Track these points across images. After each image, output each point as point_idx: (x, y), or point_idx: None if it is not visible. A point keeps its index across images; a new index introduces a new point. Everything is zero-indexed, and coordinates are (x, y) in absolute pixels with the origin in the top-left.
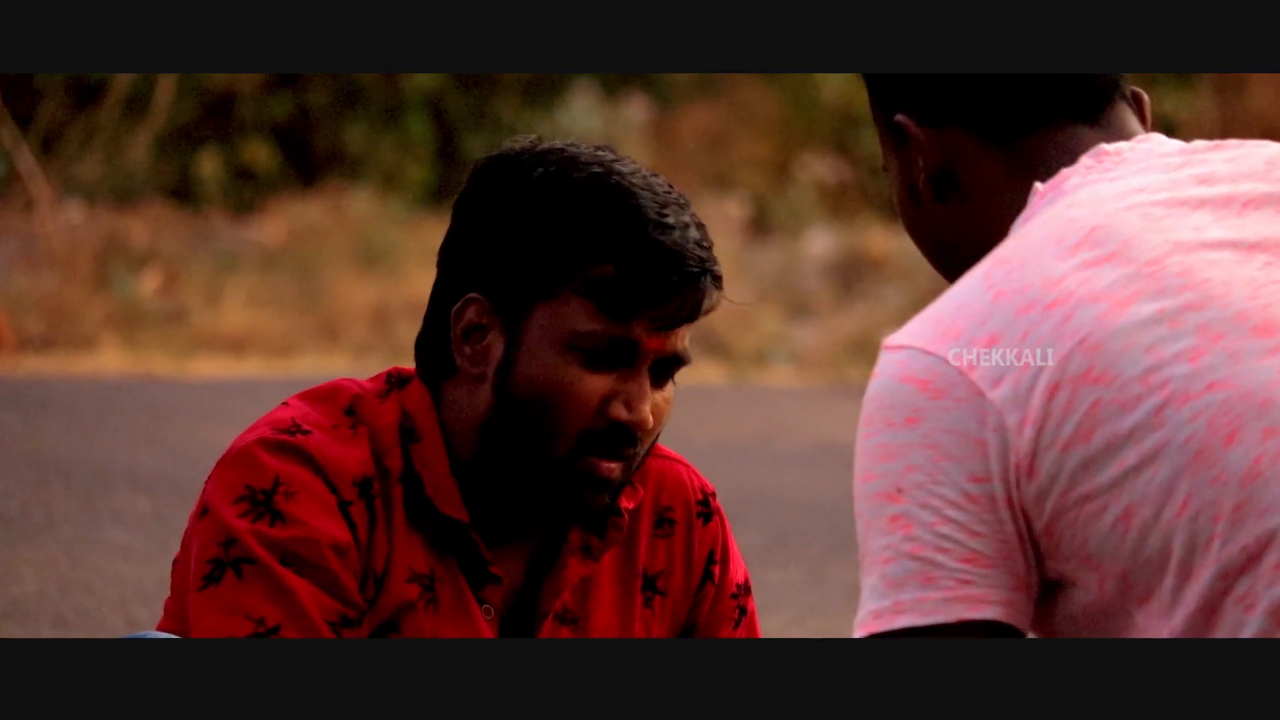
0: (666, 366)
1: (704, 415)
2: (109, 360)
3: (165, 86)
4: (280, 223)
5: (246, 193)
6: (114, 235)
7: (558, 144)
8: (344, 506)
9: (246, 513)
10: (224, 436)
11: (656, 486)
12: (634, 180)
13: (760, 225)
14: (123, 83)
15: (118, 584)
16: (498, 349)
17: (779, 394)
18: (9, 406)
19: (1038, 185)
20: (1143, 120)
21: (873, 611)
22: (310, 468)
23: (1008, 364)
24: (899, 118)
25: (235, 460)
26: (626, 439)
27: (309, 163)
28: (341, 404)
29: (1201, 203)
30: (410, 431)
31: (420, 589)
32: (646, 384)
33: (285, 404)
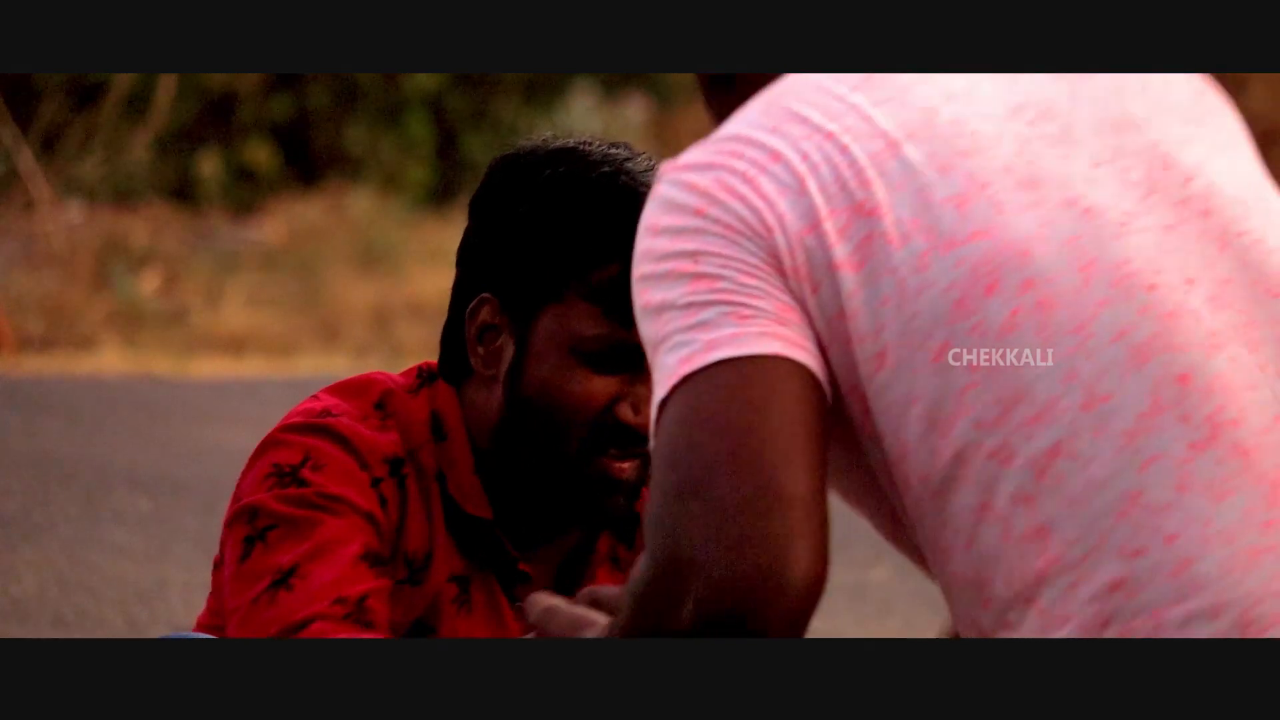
0: None
1: None
2: (109, 360)
3: (165, 86)
4: (280, 223)
5: (246, 193)
6: (114, 235)
7: (571, 142)
8: (375, 483)
9: (273, 486)
10: (224, 436)
11: None
12: (644, 179)
13: None
14: (123, 83)
15: (118, 584)
16: (509, 351)
17: None
18: (9, 406)
19: None
20: None
21: (680, 359)
22: (340, 445)
23: (787, 176)
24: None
25: (264, 447)
26: (635, 439)
27: (309, 163)
28: (372, 398)
29: (969, 74)
30: (439, 429)
31: (457, 589)
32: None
33: (315, 396)
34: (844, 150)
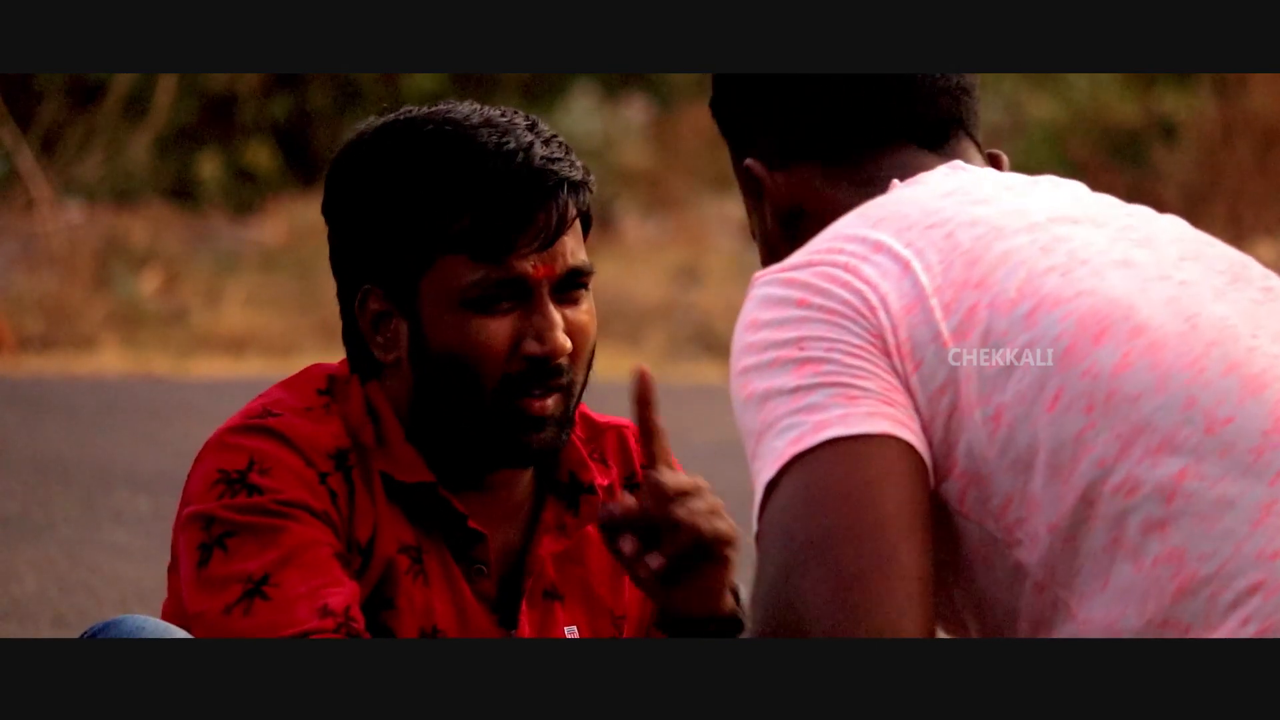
0: (567, 285)
1: (704, 415)
2: (109, 360)
3: (165, 86)
4: (280, 223)
5: (246, 193)
6: (114, 235)
7: (392, 116)
8: (324, 478)
9: (223, 494)
10: None
11: (618, 455)
12: (470, 122)
13: None
14: (123, 83)
15: (118, 584)
16: (404, 330)
17: None
18: (9, 406)
19: (896, 180)
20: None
21: (790, 441)
22: (284, 444)
23: (890, 263)
24: (748, 162)
25: (208, 450)
26: (549, 372)
27: (309, 163)
28: (318, 385)
29: (1048, 195)
30: (373, 411)
31: (409, 560)
32: (550, 312)
33: (264, 393)
34: (949, 236)
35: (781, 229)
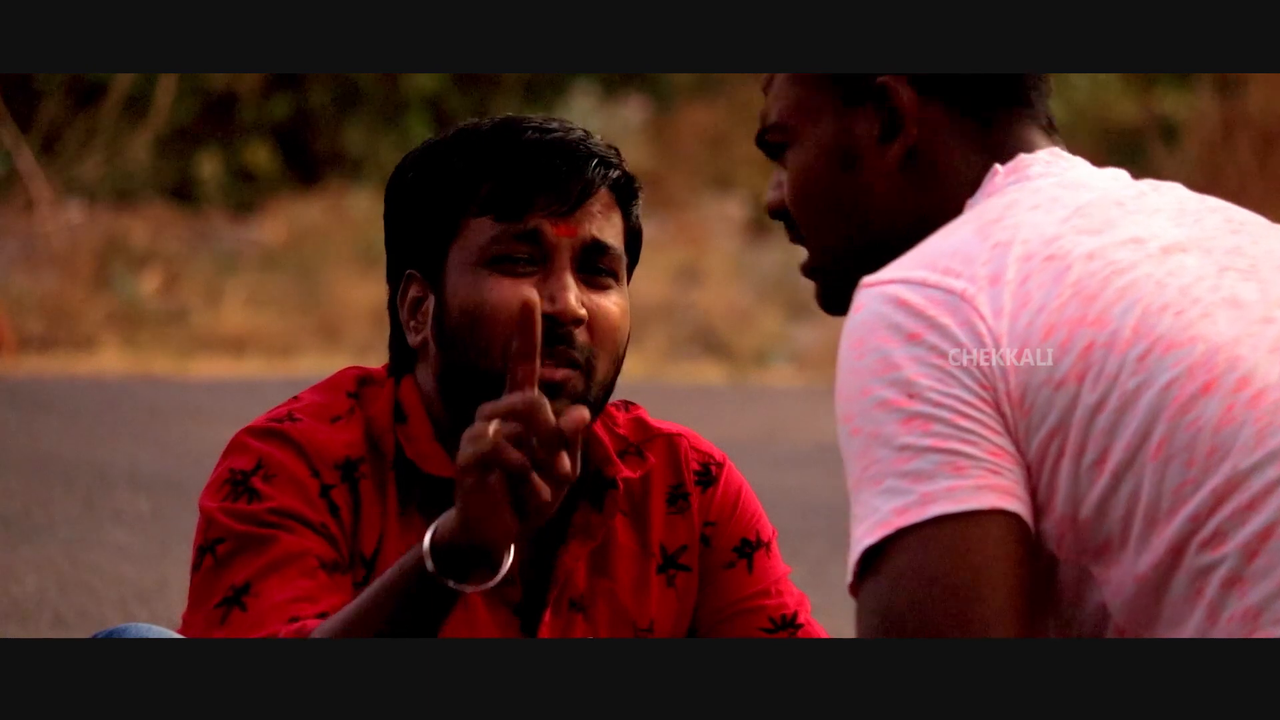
0: (593, 263)
1: (704, 415)
2: (109, 360)
3: (165, 86)
4: (280, 223)
5: (246, 193)
6: (114, 235)
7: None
8: (326, 490)
9: (226, 496)
10: (224, 436)
11: (667, 462)
12: (524, 116)
13: (760, 225)
14: (123, 83)
15: (118, 584)
16: (430, 305)
17: (779, 394)
18: (9, 406)
19: (997, 166)
20: None
21: (895, 509)
22: (294, 450)
23: (1007, 298)
24: (884, 79)
25: (229, 447)
26: (558, 337)
27: (309, 163)
28: (348, 387)
29: (1157, 210)
30: (400, 413)
31: None
32: (567, 277)
33: (296, 395)
34: (1068, 269)
35: (899, 163)
